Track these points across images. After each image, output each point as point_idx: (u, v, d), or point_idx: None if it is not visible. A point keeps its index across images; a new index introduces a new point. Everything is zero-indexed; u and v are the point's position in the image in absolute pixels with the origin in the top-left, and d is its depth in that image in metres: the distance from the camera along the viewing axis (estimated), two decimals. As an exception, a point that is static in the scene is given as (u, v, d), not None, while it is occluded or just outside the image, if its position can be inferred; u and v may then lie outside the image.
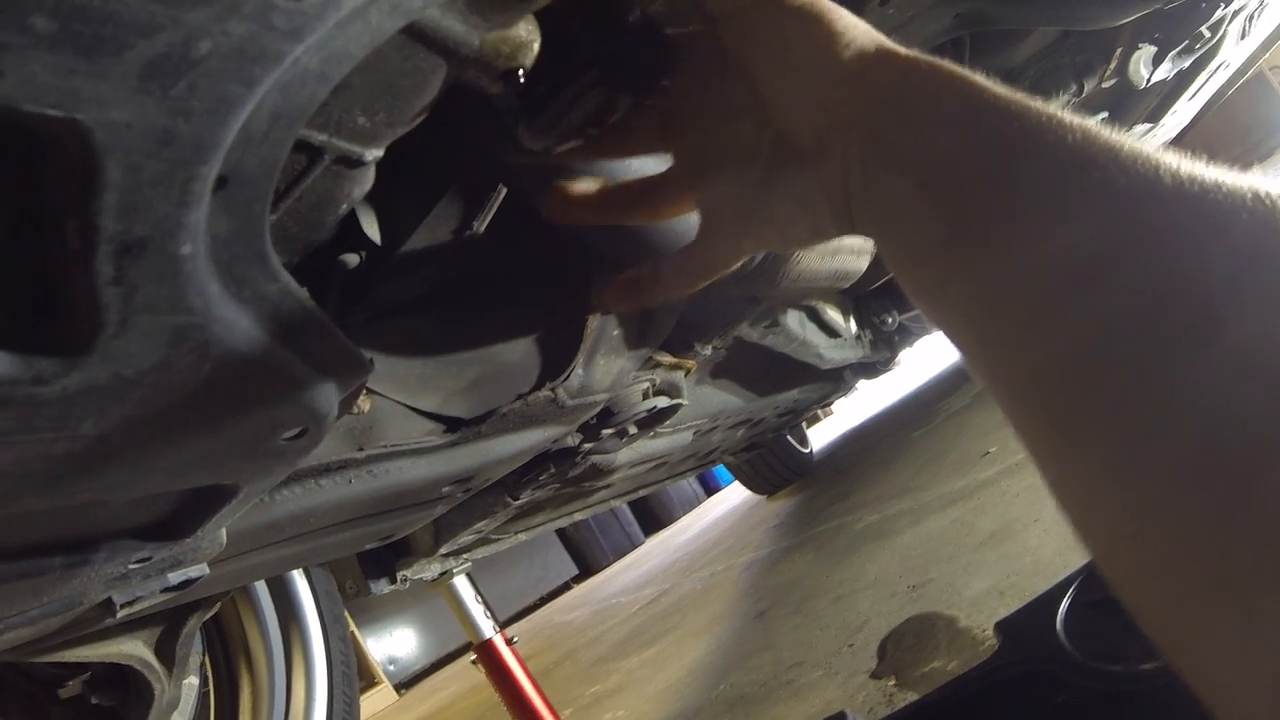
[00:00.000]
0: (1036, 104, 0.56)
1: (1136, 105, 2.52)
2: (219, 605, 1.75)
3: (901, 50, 0.65)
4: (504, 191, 1.08)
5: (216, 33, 0.37)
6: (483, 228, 1.10)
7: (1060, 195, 0.52)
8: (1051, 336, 0.51)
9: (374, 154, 0.59)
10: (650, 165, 0.96)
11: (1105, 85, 2.12)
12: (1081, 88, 2.08)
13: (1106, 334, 0.48)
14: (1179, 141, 3.69)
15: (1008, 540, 2.40)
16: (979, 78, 0.59)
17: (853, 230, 0.69)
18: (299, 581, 2.40)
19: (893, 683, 2.00)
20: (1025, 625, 1.56)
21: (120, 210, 0.40)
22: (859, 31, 0.66)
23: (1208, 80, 2.59)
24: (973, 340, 0.59)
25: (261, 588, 2.36)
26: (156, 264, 0.44)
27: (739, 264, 0.85)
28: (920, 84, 0.61)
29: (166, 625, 1.64)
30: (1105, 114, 2.46)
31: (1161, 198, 0.49)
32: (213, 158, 0.42)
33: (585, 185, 0.90)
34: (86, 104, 0.36)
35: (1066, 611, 1.47)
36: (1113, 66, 2.09)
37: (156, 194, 0.41)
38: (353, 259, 0.93)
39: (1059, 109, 0.55)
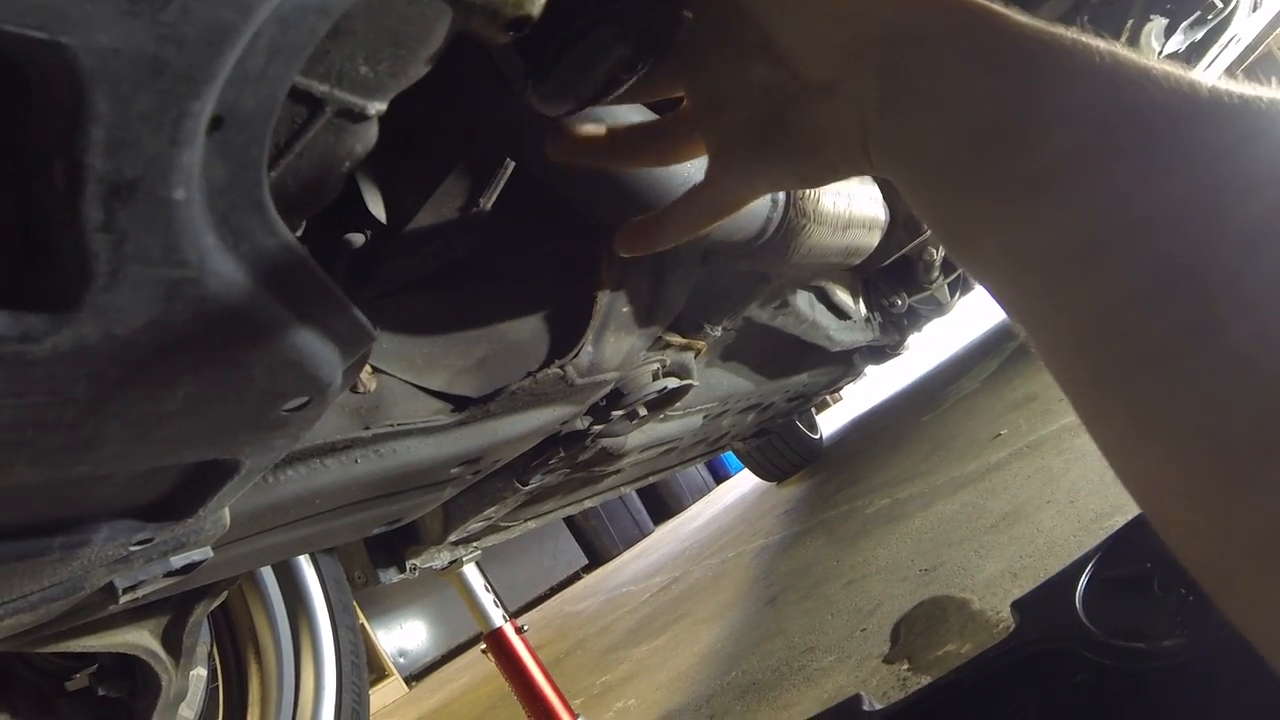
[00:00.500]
0: (1059, 31, 0.53)
1: (1148, 78, 2.50)
2: (225, 594, 1.73)
3: None
4: (511, 167, 1.06)
5: (210, -50, 0.35)
6: (490, 204, 1.08)
7: (1093, 140, 0.49)
8: (1084, 295, 0.49)
9: (377, 107, 0.57)
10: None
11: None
12: (1093, 61, 2.06)
13: (1133, 297, 0.46)
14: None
15: (1020, 522, 2.38)
16: (995, 5, 0.57)
17: (870, 169, 0.67)
18: (307, 570, 2.39)
19: (906, 666, 1.99)
20: (1043, 603, 1.54)
21: (109, 147, 0.38)
22: None
23: (1219, 54, 2.58)
24: (1008, 291, 0.57)
25: (269, 577, 2.35)
26: (148, 209, 0.42)
27: (751, 202, 0.84)
28: (942, 13, 0.58)
29: (173, 614, 1.62)
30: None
31: (1198, 114, 0.47)
32: (206, 92, 0.39)
33: (593, 127, 0.87)
34: (72, 26, 0.33)
35: (1085, 588, 1.45)
36: (1124, 38, 2.07)
37: (147, 130, 0.38)
38: (358, 238, 0.91)
39: (1081, 33, 0.53)
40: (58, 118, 0.37)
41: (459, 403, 1.11)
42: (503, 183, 1.08)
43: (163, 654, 1.63)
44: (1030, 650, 1.44)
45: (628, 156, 0.89)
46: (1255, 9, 2.42)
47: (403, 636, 9.78)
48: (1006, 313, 0.57)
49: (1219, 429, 0.42)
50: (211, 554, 0.95)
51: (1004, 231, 0.54)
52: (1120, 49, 0.51)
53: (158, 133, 0.39)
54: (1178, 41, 2.14)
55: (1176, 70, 0.49)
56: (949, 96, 0.56)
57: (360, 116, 0.56)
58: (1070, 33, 0.53)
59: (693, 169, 1.04)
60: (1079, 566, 1.52)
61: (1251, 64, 3.21)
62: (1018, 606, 1.59)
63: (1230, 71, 3.11)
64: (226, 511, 0.89)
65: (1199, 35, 2.20)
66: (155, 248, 0.44)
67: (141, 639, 1.59)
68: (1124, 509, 1.97)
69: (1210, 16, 2.15)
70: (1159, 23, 2.06)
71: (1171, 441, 0.45)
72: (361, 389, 0.99)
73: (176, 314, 0.49)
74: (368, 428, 0.99)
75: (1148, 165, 0.47)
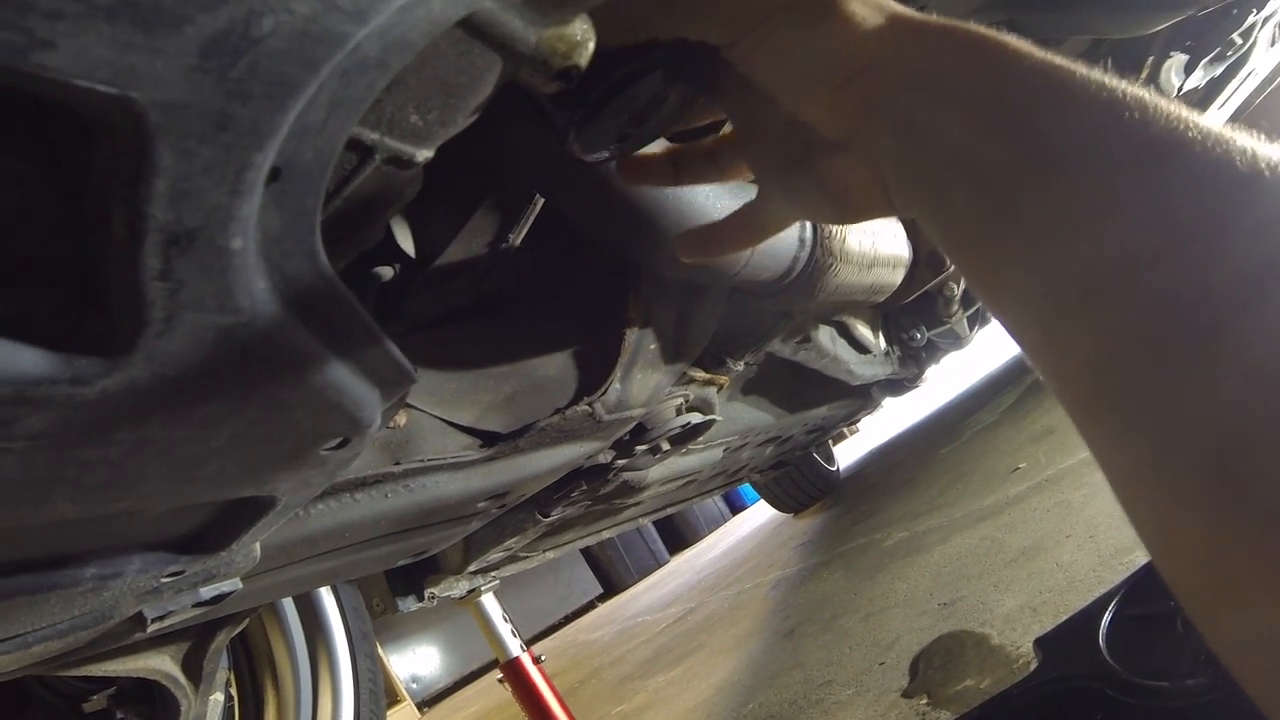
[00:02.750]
0: (1063, 64, 0.54)
1: (1167, 114, 2.51)
2: (247, 620, 1.73)
3: (916, 17, 0.62)
4: (540, 203, 1.07)
5: (280, 9, 0.35)
6: (519, 240, 1.09)
7: (1097, 179, 0.50)
8: (1087, 335, 0.50)
9: (425, 155, 0.57)
10: None
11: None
12: (1112, 97, 2.07)
13: (1134, 335, 0.47)
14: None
15: (1039, 557, 2.37)
16: (1005, 39, 0.57)
17: (893, 213, 0.69)
18: (326, 598, 2.39)
19: (925, 701, 1.97)
20: (1066, 641, 1.53)
21: (171, 199, 0.38)
22: (866, 11, 0.63)
23: (1238, 88, 2.58)
24: (1022, 329, 0.57)
25: (288, 604, 2.35)
26: (206, 258, 0.42)
27: (793, 223, 0.88)
28: (943, 57, 0.59)
29: (195, 640, 1.63)
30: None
31: (1198, 146, 0.47)
32: (269, 146, 0.40)
33: (655, 148, 0.88)
34: (142, 81, 0.34)
35: (1108, 626, 1.45)
36: (1144, 75, 2.08)
37: (209, 182, 0.39)
38: (387, 271, 0.91)
39: (1090, 70, 0.53)
40: (121, 168, 0.37)
41: (488, 438, 1.11)
42: (532, 219, 1.08)
43: (183, 679, 1.63)
44: (1053, 688, 1.44)
45: (692, 176, 0.89)
46: (1274, 43, 2.42)
47: (416, 662, 9.75)
48: (1024, 351, 0.58)
49: (1222, 463, 0.42)
50: (241, 586, 0.95)
51: (1019, 269, 0.55)
52: (1118, 81, 0.51)
53: (219, 184, 0.39)
54: (1197, 78, 2.14)
55: (1173, 105, 0.49)
56: (959, 145, 0.57)
57: (408, 164, 0.57)
58: (1074, 65, 0.53)
59: (711, 206, 1.04)
60: (1102, 604, 1.51)
61: (1271, 94, 3.20)
62: (1040, 644, 1.58)
63: (1247, 105, 3.11)
64: (258, 545, 0.89)
65: (1218, 71, 2.20)
66: (210, 295, 0.44)
67: (162, 664, 1.59)
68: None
69: (1230, 53, 2.15)
70: (1179, 59, 2.07)
71: (1178, 479, 0.45)
72: (392, 424, 0.99)
73: (225, 358, 0.49)
74: (398, 463, 1.00)
75: (1152, 199, 0.48)
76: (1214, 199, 0.46)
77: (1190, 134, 0.48)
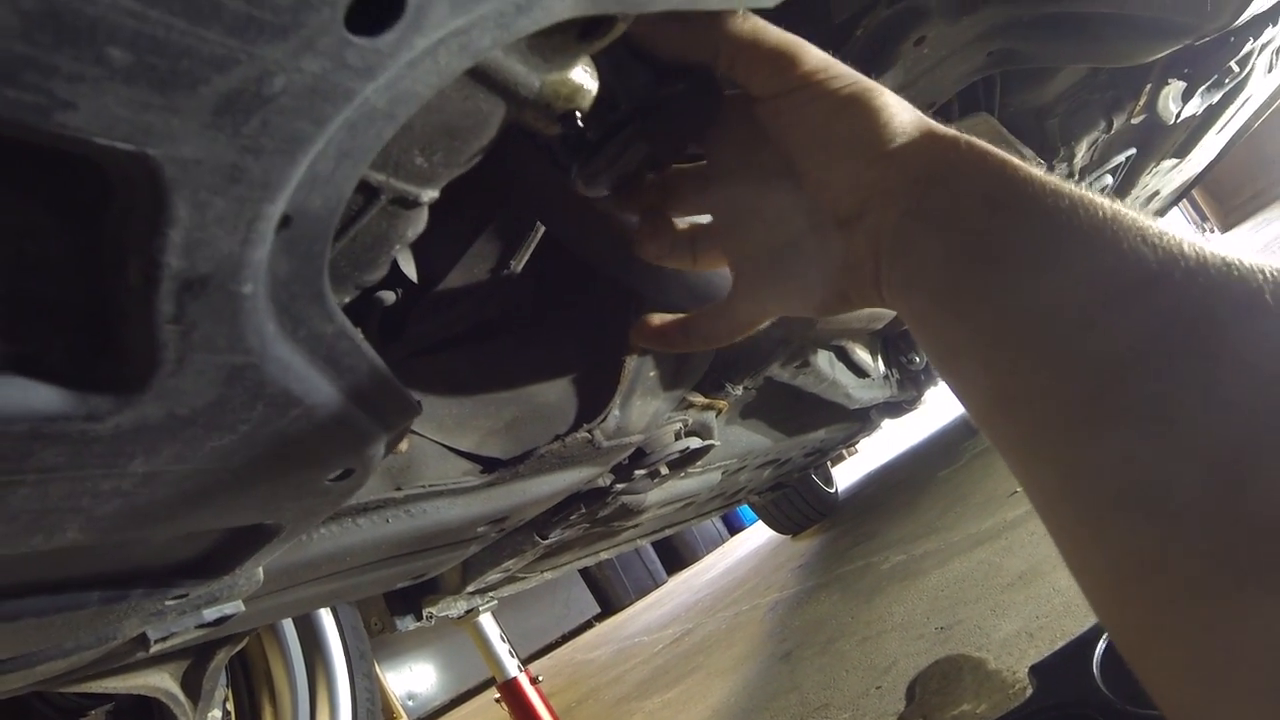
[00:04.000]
0: (1069, 186, 0.58)
1: (1165, 140, 2.53)
2: (246, 639, 1.74)
3: (941, 129, 0.66)
4: (542, 231, 1.08)
5: (291, 69, 0.36)
6: (520, 267, 1.10)
7: (1076, 266, 0.54)
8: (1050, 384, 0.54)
9: (430, 195, 0.59)
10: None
11: (1134, 121, 2.13)
12: (1110, 124, 2.09)
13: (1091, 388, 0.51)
14: (1206, 175, 3.70)
15: (1036, 581, 2.37)
16: (1014, 159, 0.61)
17: (880, 301, 0.70)
18: (325, 617, 2.40)
19: (921, 727, 1.98)
20: (1061, 668, 1.54)
21: (185, 248, 0.40)
22: (902, 109, 0.67)
23: (1235, 114, 2.60)
24: (976, 390, 0.61)
25: (287, 622, 2.35)
26: (217, 303, 0.43)
27: (765, 324, 0.86)
28: (959, 161, 0.62)
29: (194, 659, 1.64)
30: (1133, 150, 2.47)
31: (1185, 279, 0.50)
32: (280, 196, 0.41)
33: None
34: (158, 139, 0.35)
35: (1103, 654, 1.45)
36: (1142, 102, 2.09)
37: (222, 232, 0.40)
38: (389, 296, 0.92)
39: (1086, 189, 0.57)
40: (137, 220, 0.39)
41: (488, 464, 1.12)
42: (533, 246, 1.10)
43: (181, 697, 1.64)
44: (1048, 715, 1.44)
45: (666, 253, 0.90)
46: (1271, 69, 2.43)
47: (412, 679, 9.71)
48: (971, 414, 0.63)
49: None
50: (243, 608, 0.96)
51: (982, 318, 0.58)
52: (1121, 208, 0.55)
53: (232, 234, 0.41)
54: (1195, 105, 2.15)
55: (1167, 232, 0.53)
56: (955, 226, 0.60)
57: (413, 204, 0.58)
58: (1075, 189, 0.58)
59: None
60: (1097, 631, 1.52)
61: (1269, 119, 3.20)
62: (1035, 671, 1.59)
63: (1244, 130, 3.11)
64: (261, 569, 0.90)
65: (1216, 98, 2.21)
66: (221, 337, 0.46)
67: (162, 682, 1.60)
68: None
69: (1227, 80, 2.16)
70: (1177, 86, 2.08)
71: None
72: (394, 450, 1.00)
73: (235, 396, 0.51)
74: (399, 488, 1.01)
75: (1086, 269, 0.53)
76: (1133, 269, 0.51)
77: (1123, 223, 0.53)
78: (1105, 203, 0.55)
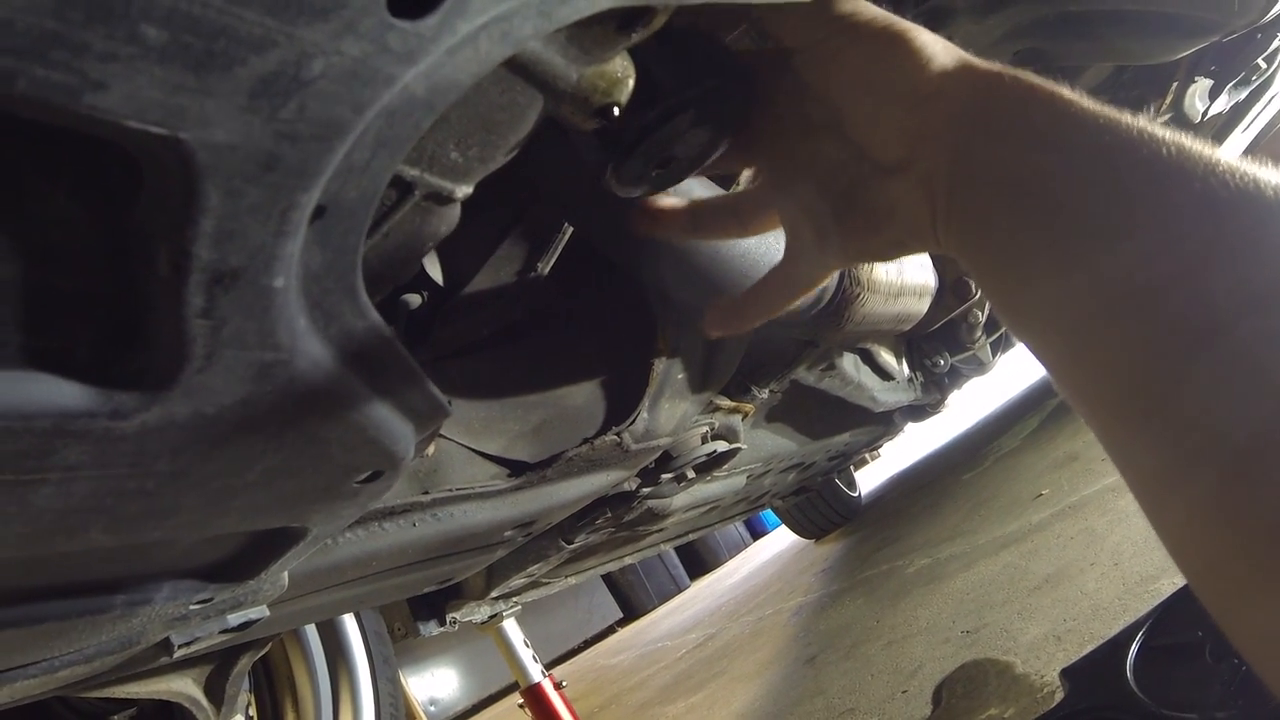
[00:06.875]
0: (1126, 116, 0.56)
1: (1191, 139, 2.50)
2: (270, 644, 1.73)
3: (982, 64, 0.64)
4: (569, 232, 1.07)
5: (330, 52, 0.35)
6: (547, 269, 1.08)
7: (1156, 212, 0.53)
8: (1109, 349, 0.54)
9: (464, 191, 0.57)
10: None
11: (1161, 120, 2.10)
12: (1137, 123, 2.06)
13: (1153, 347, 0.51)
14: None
15: (1063, 584, 2.36)
16: (1063, 89, 0.59)
17: (937, 246, 0.68)
18: (348, 622, 2.39)
19: (948, 730, 1.96)
20: (1093, 671, 1.52)
21: (216, 238, 0.38)
22: (939, 48, 0.66)
23: (1262, 111, 2.57)
24: (1047, 345, 0.61)
25: (310, 627, 2.34)
26: (248, 296, 0.42)
27: (826, 280, 0.87)
28: (1005, 98, 0.61)
29: (218, 664, 1.63)
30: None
31: (1263, 209, 0.49)
32: (314, 186, 0.40)
33: (673, 201, 0.87)
34: (192, 122, 0.34)
35: (1136, 657, 1.44)
36: (1168, 100, 2.08)
37: (255, 222, 0.39)
38: (415, 299, 0.91)
39: (1149, 120, 0.55)
40: (168, 208, 0.37)
41: (516, 468, 1.10)
42: (560, 248, 1.08)
43: (204, 702, 1.63)
44: (1082, 719, 1.43)
45: (711, 228, 0.89)
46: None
47: (434, 684, 9.71)
48: (1047, 366, 0.61)
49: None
50: (268, 613, 0.95)
51: (1049, 285, 0.58)
52: (1188, 140, 0.53)
53: (265, 224, 0.39)
54: (1222, 103, 2.13)
55: (1242, 165, 0.51)
56: (1013, 177, 0.59)
57: (447, 199, 0.57)
58: (1135, 120, 0.56)
59: (749, 243, 1.04)
60: (1129, 634, 1.50)
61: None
62: (1067, 674, 1.57)
63: (1271, 127, 3.09)
64: (286, 573, 0.89)
65: (1242, 95, 2.19)
66: (251, 332, 0.44)
67: (185, 687, 1.59)
68: (1170, 572, 1.94)
69: (1254, 77, 2.14)
70: (1203, 84, 2.06)
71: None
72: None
73: (264, 394, 0.49)
74: (426, 492, 0.99)
75: (1169, 227, 0.52)
76: (1210, 222, 0.50)
77: (1191, 160, 0.52)
78: (1167, 135, 0.53)
